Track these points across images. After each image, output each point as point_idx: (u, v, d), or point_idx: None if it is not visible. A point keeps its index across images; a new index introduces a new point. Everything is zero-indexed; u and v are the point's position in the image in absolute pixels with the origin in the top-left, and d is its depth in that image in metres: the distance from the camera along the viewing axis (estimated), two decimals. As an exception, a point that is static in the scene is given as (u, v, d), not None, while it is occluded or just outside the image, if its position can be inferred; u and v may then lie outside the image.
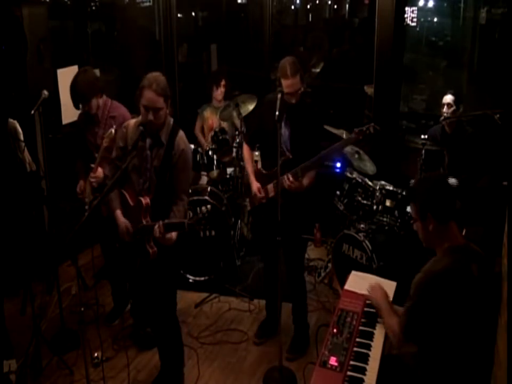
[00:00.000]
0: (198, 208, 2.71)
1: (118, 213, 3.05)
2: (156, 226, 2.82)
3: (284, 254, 3.57)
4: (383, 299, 2.62)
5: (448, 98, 4.14)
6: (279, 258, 3.30)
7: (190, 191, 3.94)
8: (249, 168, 3.62)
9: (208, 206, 2.75)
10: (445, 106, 4.14)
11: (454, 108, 4.11)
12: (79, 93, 3.47)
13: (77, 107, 3.58)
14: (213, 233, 2.83)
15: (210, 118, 5.12)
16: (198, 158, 4.52)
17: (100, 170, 3.51)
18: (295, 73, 3.21)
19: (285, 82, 3.24)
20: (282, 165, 3.28)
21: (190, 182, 3.14)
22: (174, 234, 2.90)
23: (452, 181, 3.86)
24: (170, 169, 2.94)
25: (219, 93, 5.06)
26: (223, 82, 5.05)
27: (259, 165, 3.65)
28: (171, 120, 3.02)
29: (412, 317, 2.34)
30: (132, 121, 3.04)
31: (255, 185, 3.50)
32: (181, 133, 3.01)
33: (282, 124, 3.34)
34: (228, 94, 5.13)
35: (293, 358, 3.58)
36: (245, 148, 3.69)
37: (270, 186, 3.40)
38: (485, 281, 2.31)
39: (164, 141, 2.96)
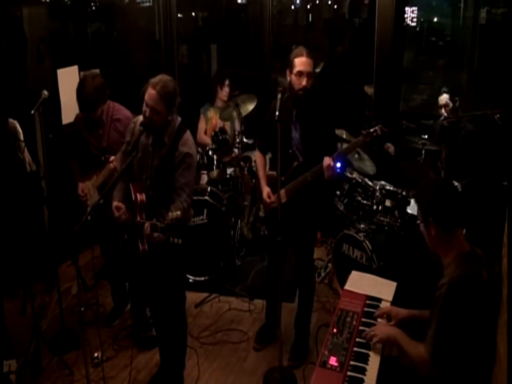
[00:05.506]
0: (170, 214, 2.66)
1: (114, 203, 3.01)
2: (146, 225, 2.81)
3: (295, 256, 3.59)
4: (394, 331, 2.43)
5: (443, 99, 4.13)
6: (282, 259, 3.30)
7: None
8: (261, 174, 3.59)
9: (178, 213, 2.67)
10: (442, 108, 4.14)
11: (450, 106, 4.10)
12: (87, 101, 3.41)
13: (82, 112, 3.55)
14: (179, 241, 2.74)
15: (214, 118, 5.10)
16: (198, 158, 4.50)
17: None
18: (311, 57, 3.21)
19: (299, 60, 3.20)
20: (294, 169, 3.29)
21: (193, 184, 3.10)
22: (161, 234, 2.80)
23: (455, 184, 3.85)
24: (171, 170, 2.90)
25: (224, 93, 5.03)
26: (227, 82, 5.03)
27: (267, 169, 3.65)
28: (178, 121, 2.97)
29: (442, 333, 2.19)
30: (141, 117, 2.96)
31: (265, 190, 3.48)
32: (187, 135, 2.96)
33: (292, 127, 3.32)
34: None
35: (296, 365, 3.54)
36: (257, 154, 3.67)
37: (282, 192, 3.35)
38: (492, 286, 2.29)
39: (167, 141, 2.92)
